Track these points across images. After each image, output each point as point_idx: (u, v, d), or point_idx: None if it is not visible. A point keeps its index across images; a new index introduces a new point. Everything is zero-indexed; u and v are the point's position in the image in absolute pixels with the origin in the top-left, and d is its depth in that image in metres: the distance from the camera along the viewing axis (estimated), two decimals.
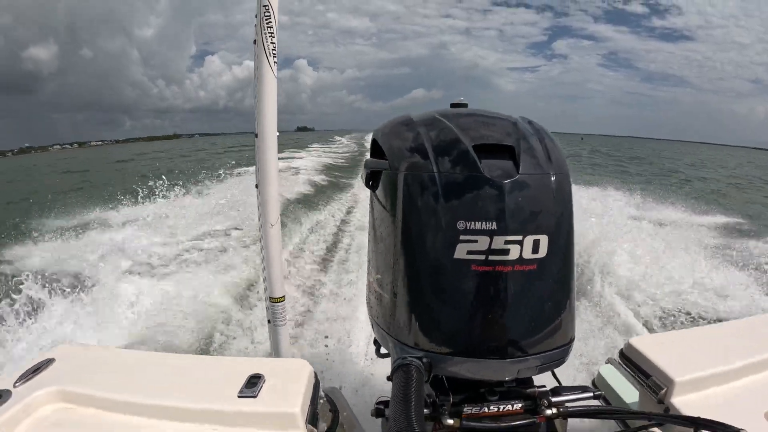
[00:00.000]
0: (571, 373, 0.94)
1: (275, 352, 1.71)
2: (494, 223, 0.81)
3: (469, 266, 0.83)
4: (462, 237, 0.82)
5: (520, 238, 0.82)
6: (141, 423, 0.87)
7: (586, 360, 2.80)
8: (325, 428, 1.06)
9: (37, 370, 0.97)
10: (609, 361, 1.42)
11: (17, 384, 0.92)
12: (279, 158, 1.60)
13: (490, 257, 0.82)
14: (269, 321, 1.68)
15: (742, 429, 0.73)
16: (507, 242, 0.82)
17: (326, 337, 3.48)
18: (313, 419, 0.90)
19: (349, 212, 8.55)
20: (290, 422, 0.85)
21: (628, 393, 1.25)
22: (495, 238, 0.81)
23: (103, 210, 8.77)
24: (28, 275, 3.84)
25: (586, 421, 1.04)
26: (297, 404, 0.86)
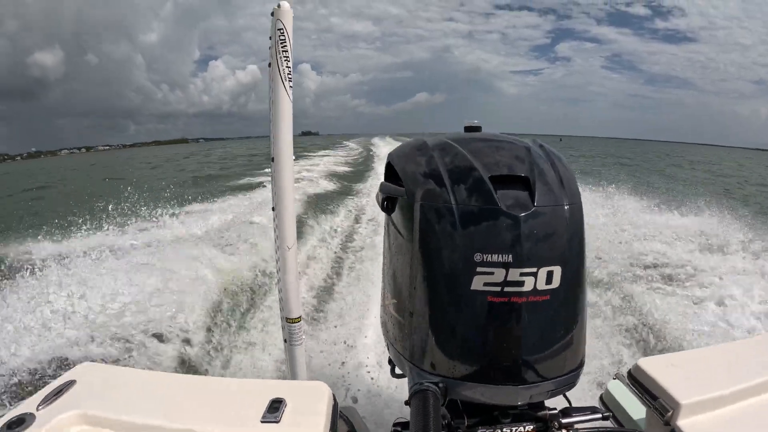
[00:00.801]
0: (577, 387, 0.98)
1: (292, 371, 1.73)
2: (510, 255, 0.83)
3: (485, 297, 0.85)
4: (479, 269, 0.84)
5: (534, 270, 0.84)
6: None
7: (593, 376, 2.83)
8: None
9: (59, 392, 0.98)
10: (617, 376, 1.44)
11: (40, 407, 0.92)
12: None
13: (506, 289, 0.84)
14: (285, 341, 1.70)
15: None
16: (522, 274, 0.83)
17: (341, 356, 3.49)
18: None
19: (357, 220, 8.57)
20: None
21: (636, 409, 1.26)
22: (510, 270, 0.83)
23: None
24: None
25: None
26: (319, 428, 0.88)
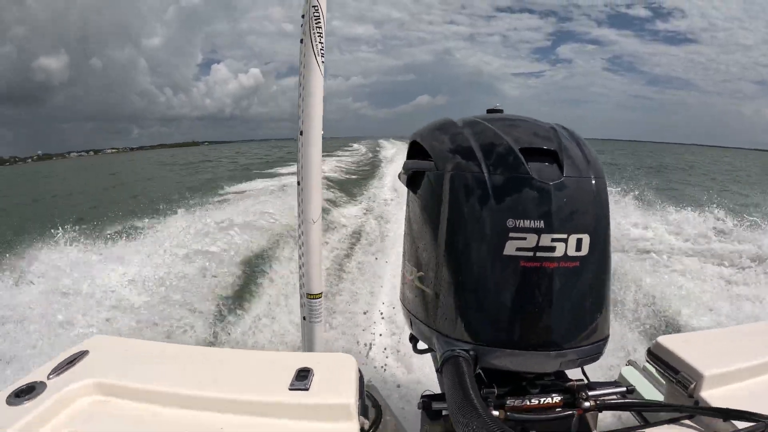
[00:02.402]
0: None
1: (308, 348, 1.70)
2: (541, 221, 0.86)
3: (518, 262, 0.87)
4: (511, 234, 0.87)
5: (564, 236, 0.87)
6: (187, 416, 0.85)
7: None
8: (370, 422, 1.06)
9: (71, 362, 0.95)
10: (630, 362, 1.47)
11: (51, 376, 0.90)
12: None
13: (538, 254, 0.86)
14: (304, 318, 1.68)
15: None
16: (553, 240, 0.86)
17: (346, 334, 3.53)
18: (363, 411, 0.90)
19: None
20: (344, 414, 0.85)
21: (650, 394, 1.30)
22: (542, 235, 0.86)
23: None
24: None
25: (608, 415, 1.07)
26: (350, 396, 0.87)
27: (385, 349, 3.12)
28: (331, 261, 5.56)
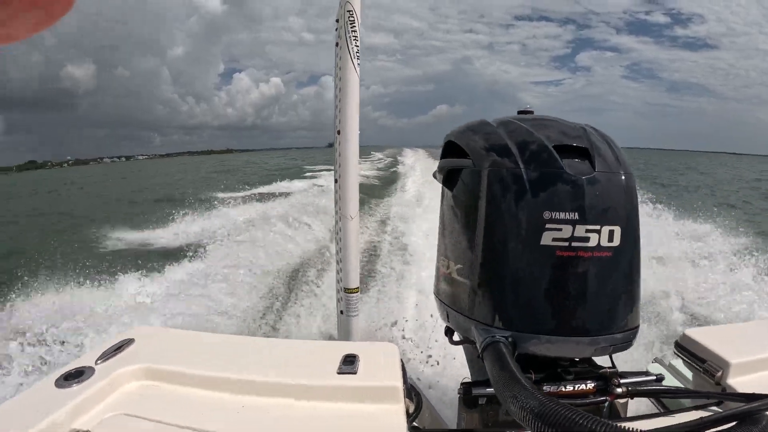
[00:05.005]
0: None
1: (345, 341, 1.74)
2: (576, 213, 0.90)
3: (554, 251, 0.91)
4: (548, 225, 0.91)
5: (598, 227, 0.91)
6: (237, 400, 0.86)
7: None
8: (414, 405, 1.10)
9: (118, 349, 0.97)
10: (656, 360, 1.48)
11: (99, 361, 0.91)
12: None
13: (573, 243, 0.90)
14: (341, 312, 1.73)
15: None
16: (587, 231, 0.90)
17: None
18: (409, 394, 0.93)
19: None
20: (392, 396, 0.86)
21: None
22: (577, 226, 0.90)
23: None
24: None
25: (633, 404, 1.07)
26: (397, 379, 0.89)
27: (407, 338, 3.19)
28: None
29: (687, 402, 1.07)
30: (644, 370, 1.16)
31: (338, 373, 0.89)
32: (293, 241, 6.16)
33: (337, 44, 1.66)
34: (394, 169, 21.59)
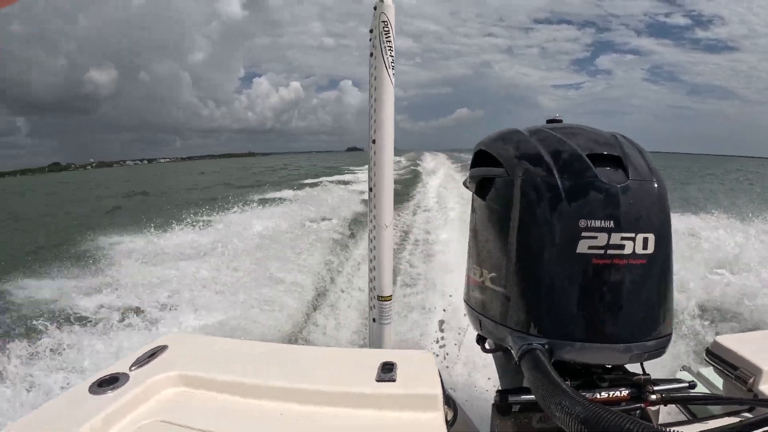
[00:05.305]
0: None
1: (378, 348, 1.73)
2: (611, 221, 0.91)
3: (590, 259, 0.92)
4: (584, 234, 0.92)
5: (632, 235, 0.91)
6: (276, 407, 0.85)
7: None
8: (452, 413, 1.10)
9: (152, 355, 0.97)
10: (684, 368, 1.47)
11: (133, 368, 0.91)
12: None
13: (608, 251, 0.91)
14: (374, 320, 1.73)
15: None
16: (622, 238, 0.91)
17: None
18: (447, 402, 0.92)
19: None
20: (431, 403, 0.86)
21: None
22: (612, 234, 0.91)
23: None
24: None
25: (664, 410, 1.08)
26: (436, 387, 0.89)
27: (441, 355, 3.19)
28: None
29: (716, 410, 1.08)
30: (674, 377, 1.17)
31: (377, 381, 0.89)
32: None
33: (371, 54, 1.68)
34: (415, 171, 21.55)
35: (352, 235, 7.09)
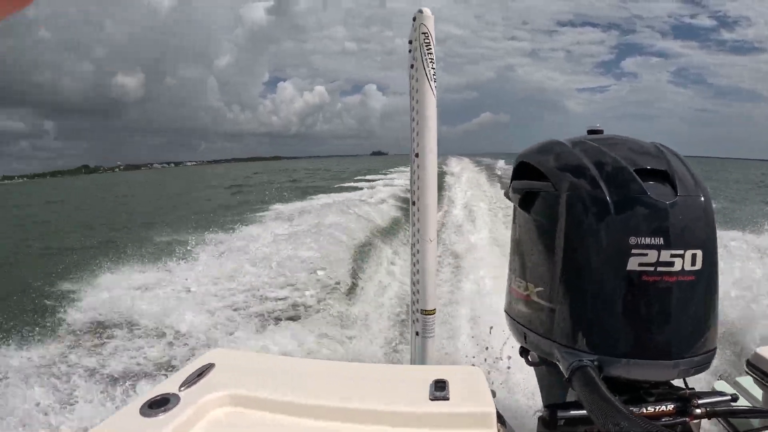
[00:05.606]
0: None
1: (420, 363, 1.70)
2: (661, 238, 0.92)
3: (641, 276, 0.93)
4: (634, 251, 0.92)
5: (682, 252, 0.91)
6: (329, 427, 0.84)
7: None
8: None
9: (200, 374, 0.96)
10: (721, 377, 1.41)
11: (182, 388, 0.91)
12: None
13: (659, 269, 0.92)
14: (417, 333, 1.71)
15: None
16: (672, 255, 0.91)
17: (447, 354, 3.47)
18: (500, 419, 0.91)
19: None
20: (485, 422, 0.85)
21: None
22: (662, 251, 0.91)
23: None
24: None
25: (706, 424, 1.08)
26: (489, 404, 0.87)
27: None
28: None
29: (756, 422, 1.08)
30: (713, 389, 1.18)
31: (431, 399, 0.88)
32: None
33: (411, 66, 1.65)
34: (441, 176, 21.48)
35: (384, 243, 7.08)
